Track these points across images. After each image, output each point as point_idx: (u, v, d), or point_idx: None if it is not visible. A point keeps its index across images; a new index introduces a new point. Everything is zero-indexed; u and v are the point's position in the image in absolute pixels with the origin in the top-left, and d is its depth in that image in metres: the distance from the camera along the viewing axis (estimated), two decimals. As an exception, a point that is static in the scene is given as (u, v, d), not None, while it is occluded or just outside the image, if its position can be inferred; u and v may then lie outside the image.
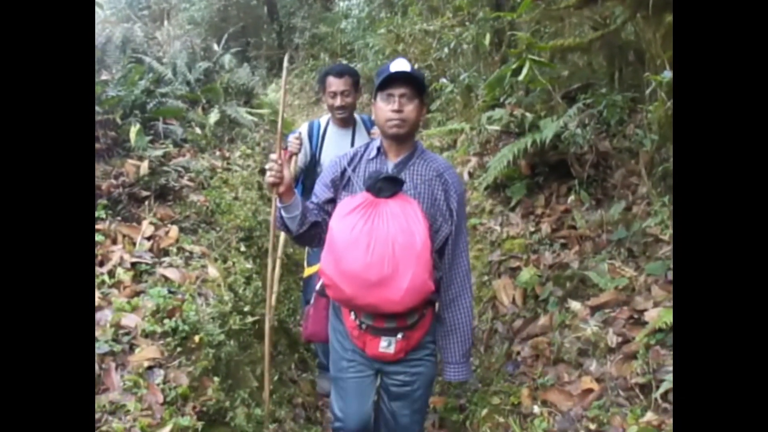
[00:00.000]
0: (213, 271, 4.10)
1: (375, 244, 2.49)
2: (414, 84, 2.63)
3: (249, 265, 4.63)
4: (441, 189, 2.73)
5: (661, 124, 4.11)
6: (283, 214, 2.67)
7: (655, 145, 4.31)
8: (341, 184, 2.78)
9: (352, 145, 4.12)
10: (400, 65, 2.64)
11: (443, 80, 7.20)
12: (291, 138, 4.04)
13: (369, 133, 4.21)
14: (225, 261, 4.47)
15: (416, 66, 7.80)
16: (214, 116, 7.07)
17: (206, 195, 5.15)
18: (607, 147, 5.04)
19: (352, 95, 4.11)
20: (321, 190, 2.82)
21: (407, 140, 2.75)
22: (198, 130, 6.54)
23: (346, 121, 4.21)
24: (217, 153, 6.54)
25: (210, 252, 4.42)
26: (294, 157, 4.07)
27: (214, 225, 4.89)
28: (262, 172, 6.98)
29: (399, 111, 2.61)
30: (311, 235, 2.75)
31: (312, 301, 3.20)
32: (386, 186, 2.59)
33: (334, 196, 2.78)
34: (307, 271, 4.28)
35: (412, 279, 2.49)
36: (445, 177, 2.74)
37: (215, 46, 10.12)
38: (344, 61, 10.94)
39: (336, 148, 4.05)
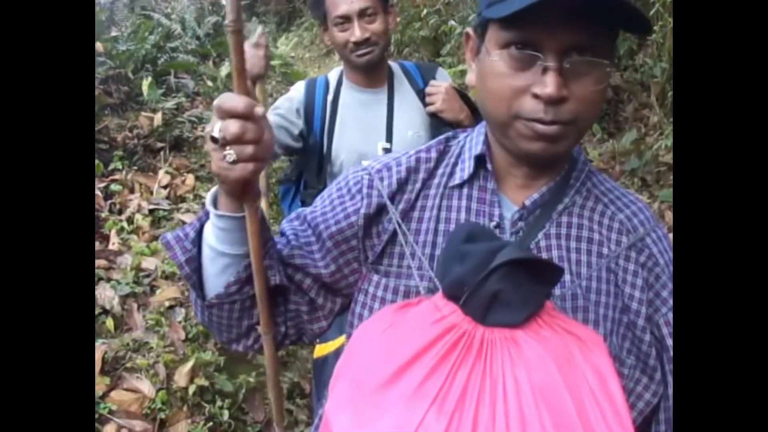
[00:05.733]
0: (230, 216, 4.17)
1: None
2: (605, 18, 0.86)
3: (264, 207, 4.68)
4: (639, 279, 1.02)
5: (671, 52, 4.08)
6: (214, 242, 1.01)
7: (666, 75, 4.28)
8: (368, 245, 1.08)
9: (390, 120, 2.25)
10: None
11: (452, 23, 7.13)
12: None
13: (422, 95, 2.28)
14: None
15: (424, 11, 7.72)
16: (225, 69, 7.08)
17: (220, 144, 5.20)
18: (618, 81, 5.02)
19: (379, 19, 2.14)
20: (300, 248, 1.11)
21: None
22: (210, 83, 6.57)
23: (373, 72, 2.24)
24: (230, 105, 6.56)
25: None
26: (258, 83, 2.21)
27: (230, 172, 4.95)
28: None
29: (556, 102, 0.88)
30: (240, 319, 1.10)
31: None
32: (518, 291, 0.77)
33: (337, 273, 1.10)
34: (319, 350, 2.38)
35: None
36: (649, 248, 1.04)
37: (223, 1, 10.10)
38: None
39: (358, 126, 2.25)
